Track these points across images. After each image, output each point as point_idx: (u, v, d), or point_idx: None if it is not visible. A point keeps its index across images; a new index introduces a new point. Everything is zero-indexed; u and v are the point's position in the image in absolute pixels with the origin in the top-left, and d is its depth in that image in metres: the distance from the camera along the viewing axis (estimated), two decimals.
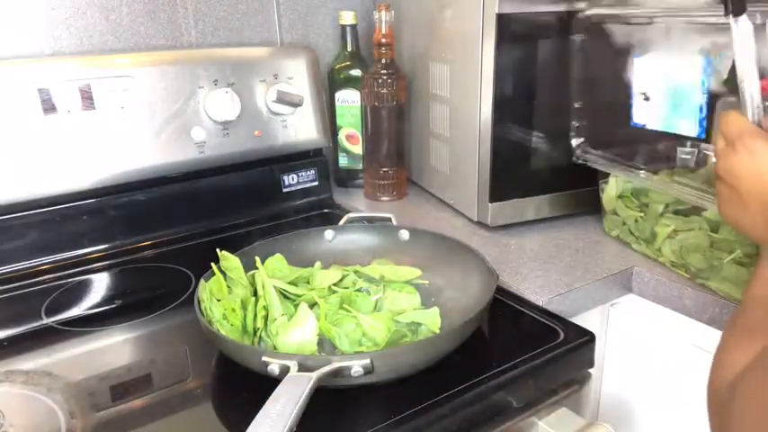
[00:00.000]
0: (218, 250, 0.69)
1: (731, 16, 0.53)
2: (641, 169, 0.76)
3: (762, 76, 0.54)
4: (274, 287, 0.66)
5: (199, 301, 0.63)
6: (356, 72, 1.08)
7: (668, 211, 0.77)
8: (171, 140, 0.92)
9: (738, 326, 0.48)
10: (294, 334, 0.60)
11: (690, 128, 0.67)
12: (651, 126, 0.73)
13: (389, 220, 0.83)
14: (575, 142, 0.84)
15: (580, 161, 0.86)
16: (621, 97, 0.78)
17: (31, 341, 0.68)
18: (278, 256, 0.73)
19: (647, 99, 0.72)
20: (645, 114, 0.73)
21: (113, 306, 0.76)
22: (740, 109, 0.54)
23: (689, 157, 0.79)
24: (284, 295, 0.67)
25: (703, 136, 0.66)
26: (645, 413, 0.81)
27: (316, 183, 1.08)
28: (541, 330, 0.66)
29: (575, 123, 0.84)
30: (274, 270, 0.71)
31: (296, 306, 0.64)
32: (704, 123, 0.66)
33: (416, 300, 0.69)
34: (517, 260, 0.82)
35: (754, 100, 0.54)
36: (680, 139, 0.77)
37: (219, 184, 0.99)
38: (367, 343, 0.61)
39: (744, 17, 0.53)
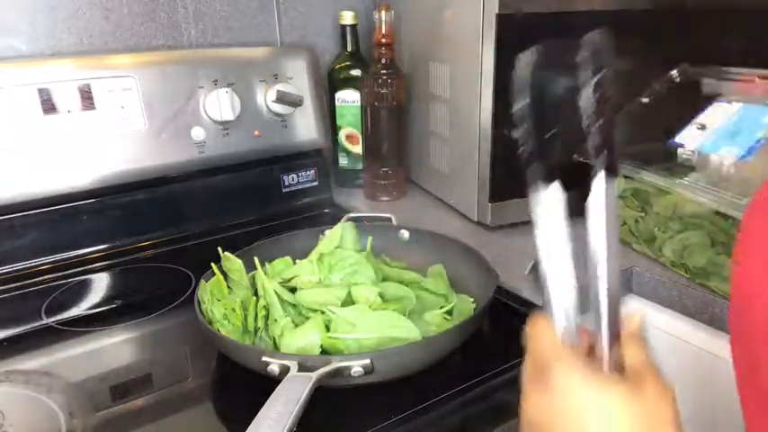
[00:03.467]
0: (219, 250, 0.69)
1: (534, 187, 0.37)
2: (640, 163, 0.77)
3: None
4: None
5: (199, 302, 0.63)
6: (356, 72, 1.08)
7: (669, 214, 0.77)
8: (171, 140, 0.92)
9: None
10: (298, 340, 0.60)
11: (734, 151, 0.70)
12: (690, 146, 0.76)
13: (389, 220, 0.83)
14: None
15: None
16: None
17: (31, 341, 0.68)
18: (286, 259, 0.73)
19: (702, 129, 0.74)
20: (690, 138, 0.77)
21: (113, 306, 0.76)
22: (549, 313, 0.38)
23: (690, 157, 0.79)
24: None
25: (747, 156, 0.69)
26: None
27: (316, 183, 1.08)
28: None
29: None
30: (281, 272, 0.71)
31: (296, 306, 0.64)
32: (753, 150, 0.69)
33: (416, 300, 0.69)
34: (517, 260, 0.82)
35: (565, 303, 0.37)
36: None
37: (219, 184, 0.99)
38: (368, 344, 0.61)
39: (556, 184, 0.37)
